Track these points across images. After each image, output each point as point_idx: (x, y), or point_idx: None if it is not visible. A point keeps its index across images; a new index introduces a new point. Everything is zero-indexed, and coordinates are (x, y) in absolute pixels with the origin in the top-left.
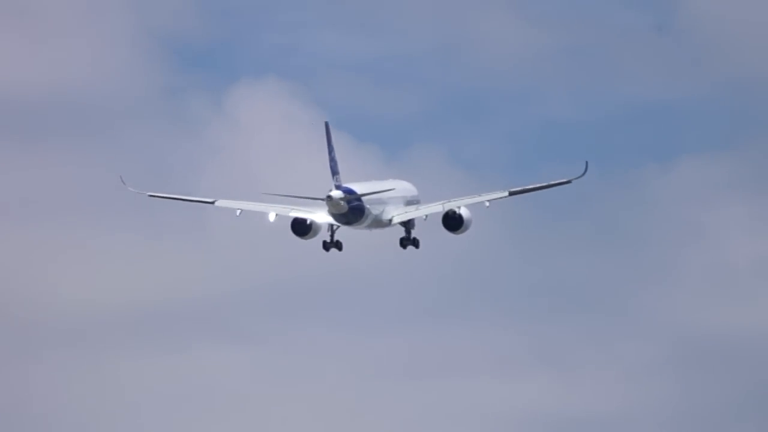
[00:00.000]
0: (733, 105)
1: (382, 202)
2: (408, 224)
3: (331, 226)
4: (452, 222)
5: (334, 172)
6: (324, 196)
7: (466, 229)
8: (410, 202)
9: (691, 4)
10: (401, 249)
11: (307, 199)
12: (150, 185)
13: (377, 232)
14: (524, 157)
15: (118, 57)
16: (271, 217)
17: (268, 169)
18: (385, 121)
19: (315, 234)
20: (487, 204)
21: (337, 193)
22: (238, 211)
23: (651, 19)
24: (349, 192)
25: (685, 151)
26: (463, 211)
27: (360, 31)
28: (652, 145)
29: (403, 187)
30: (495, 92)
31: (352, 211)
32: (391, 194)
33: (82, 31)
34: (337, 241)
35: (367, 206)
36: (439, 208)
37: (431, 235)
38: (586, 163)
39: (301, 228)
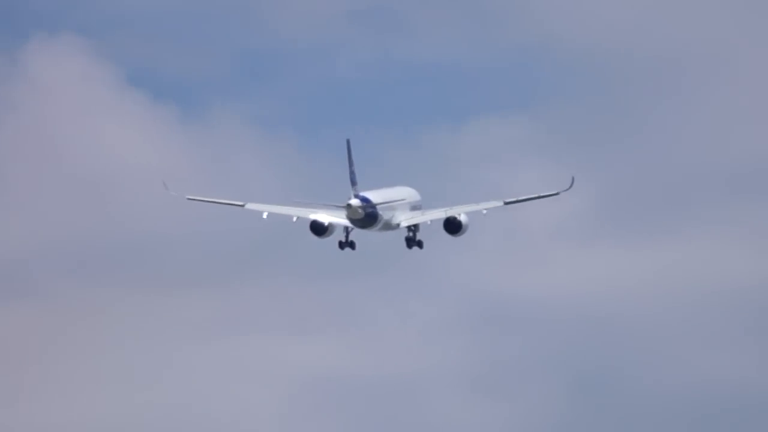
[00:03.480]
0: (525, 67)
1: (392, 209)
2: (414, 227)
3: (346, 228)
4: (452, 226)
5: (353, 182)
6: (344, 204)
7: (464, 232)
8: (414, 207)
9: None
10: (406, 248)
11: (327, 205)
12: None
13: (386, 233)
14: (315, 118)
15: None
16: (294, 218)
17: (63, 127)
18: (180, 79)
19: (331, 234)
20: (485, 212)
21: (355, 202)
22: (265, 214)
23: None
24: (365, 201)
25: (477, 112)
26: (463, 218)
27: None
28: (442, 106)
29: (409, 194)
30: (285, 51)
31: (367, 216)
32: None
33: None
34: (351, 241)
35: (380, 212)
36: (441, 214)
37: (432, 236)
38: (572, 178)
39: (319, 229)
